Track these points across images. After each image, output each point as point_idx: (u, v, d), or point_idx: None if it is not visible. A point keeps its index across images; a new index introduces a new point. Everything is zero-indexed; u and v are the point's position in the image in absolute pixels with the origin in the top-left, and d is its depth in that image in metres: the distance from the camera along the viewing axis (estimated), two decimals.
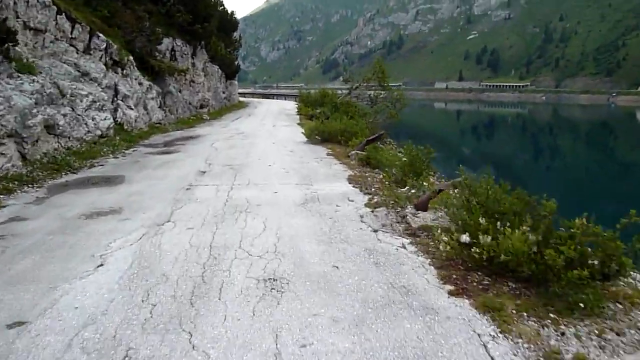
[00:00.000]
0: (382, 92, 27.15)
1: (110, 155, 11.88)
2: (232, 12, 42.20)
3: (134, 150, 12.90)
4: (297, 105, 35.75)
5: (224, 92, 35.16)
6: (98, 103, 14.00)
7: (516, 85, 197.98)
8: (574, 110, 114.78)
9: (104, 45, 15.76)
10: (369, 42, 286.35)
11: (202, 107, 26.47)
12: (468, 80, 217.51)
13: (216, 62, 32.84)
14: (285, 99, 53.28)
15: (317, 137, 14.20)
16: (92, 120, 13.36)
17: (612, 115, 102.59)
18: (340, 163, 10.87)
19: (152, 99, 18.72)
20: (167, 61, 21.13)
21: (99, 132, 13.47)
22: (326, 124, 14.74)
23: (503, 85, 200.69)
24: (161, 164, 10.78)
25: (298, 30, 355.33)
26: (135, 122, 16.38)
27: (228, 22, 40.31)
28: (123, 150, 12.73)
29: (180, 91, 23.46)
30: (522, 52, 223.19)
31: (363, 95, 28.24)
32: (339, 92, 33.89)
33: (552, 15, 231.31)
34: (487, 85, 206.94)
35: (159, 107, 19.30)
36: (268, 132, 18.40)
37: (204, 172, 9.67)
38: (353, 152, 11.21)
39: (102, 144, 12.94)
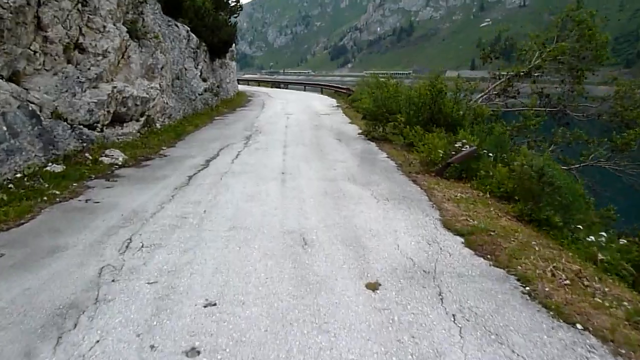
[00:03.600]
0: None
1: None
2: None
3: None
4: (337, 105, 18.76)
5: (205, 80, 17.80)
6: None
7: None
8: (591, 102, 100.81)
9: None
10: (378, 29, 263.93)
11: (123, 120, 9.26)
12: (480, 70, 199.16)
13: (185, 20, 15.45)
14: (304, 89, 35.38)
15: None
16: None
17: None
18: None
19: None
20: None
21: None
22: None
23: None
24: None
25: (306, 15, 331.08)
26: None
27: None
28: None
29: None
30: None
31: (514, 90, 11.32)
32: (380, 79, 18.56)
33: (569, 3, 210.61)
34: (501, 74, 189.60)
35: None
36: None
37: None
38: None
39: None
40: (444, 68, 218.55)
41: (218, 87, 20.86)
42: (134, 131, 9.73)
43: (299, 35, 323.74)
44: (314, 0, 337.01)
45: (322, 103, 22.25)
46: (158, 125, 11.20)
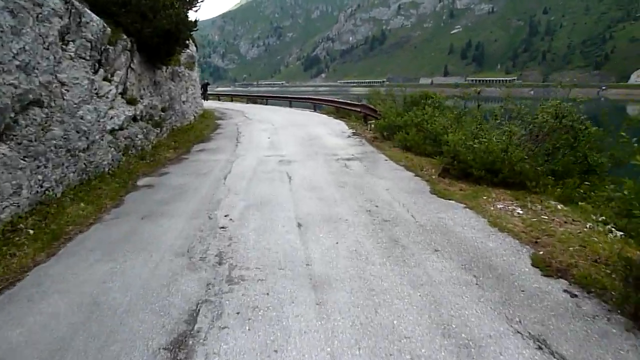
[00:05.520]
0: None
1: None
2: None
3: None
4: (353, 133, 10.78)
5: (132, 102, 9.48)
6: None
7: (503, 80, 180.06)
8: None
9: None
10: (350, 38, 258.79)
11: None
12: (453, 76, 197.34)
13: None
14: (290, 105, 26.82)
15: None
16: None
17: (604, 108, 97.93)
18: None
19: None
20: None
21: None
22: None
23: (489, 80, 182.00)
24: None
25: (278, 26, 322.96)
26: None
27: None
28: None
29: None
30: (507, 46, 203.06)
31: None
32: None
33: (536, 8, 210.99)
34: (473, 80, 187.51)
35: None
36: None
37: None
38: None
39: None
40: (418, 75, 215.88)
41: (164, 110, 12.52)
42: None
43: (272, 46, 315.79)
44: (285, 11, 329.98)
45: (330, 130, 14.12)
46: None
